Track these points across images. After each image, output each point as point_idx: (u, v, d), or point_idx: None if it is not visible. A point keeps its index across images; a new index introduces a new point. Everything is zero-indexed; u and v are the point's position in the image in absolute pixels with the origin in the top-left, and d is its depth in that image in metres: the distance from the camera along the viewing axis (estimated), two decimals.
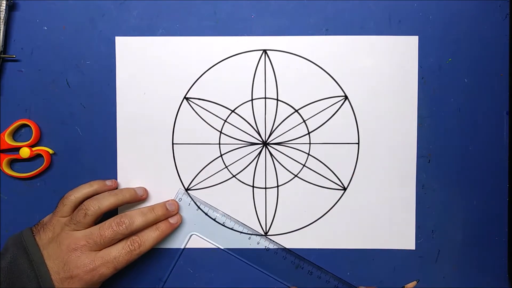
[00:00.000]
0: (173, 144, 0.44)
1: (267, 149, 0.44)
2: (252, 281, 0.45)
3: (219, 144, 0.44)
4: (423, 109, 0.44)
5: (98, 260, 0.38)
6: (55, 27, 0.44)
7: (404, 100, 0.44)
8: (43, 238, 0.39)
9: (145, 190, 0.44)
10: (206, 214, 0.44)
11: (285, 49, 0.43)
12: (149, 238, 0.41)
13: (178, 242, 0.44)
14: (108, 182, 0.43)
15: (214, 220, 0.44)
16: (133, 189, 0.43)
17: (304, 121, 0.44)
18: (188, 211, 0.44)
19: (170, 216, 0.43)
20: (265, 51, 0.44)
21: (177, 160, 0.44)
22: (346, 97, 0.44)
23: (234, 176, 0.44)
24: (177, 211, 0.43)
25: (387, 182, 0.44)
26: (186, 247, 0.44)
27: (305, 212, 0.44)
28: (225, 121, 0.44)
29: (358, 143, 0.44)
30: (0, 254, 0.38)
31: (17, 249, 0.38)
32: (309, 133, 0.44)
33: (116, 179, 0.44)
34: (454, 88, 0.44)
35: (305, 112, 0.44)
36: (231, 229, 0.44)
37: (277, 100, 0.44)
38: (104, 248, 0.39)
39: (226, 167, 0.44)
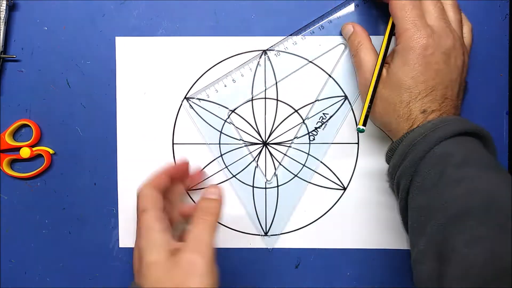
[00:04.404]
0: (173, 144, 0.44)
1: (267, 149, 0.44)
2: (252, 281, 0.45)
3: (219, 144, 0.44)
4: None
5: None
6: (55, 27, 0.44)
7: None
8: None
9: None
10: None
11: (285, 49, 0.43)
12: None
13: None
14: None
15: None
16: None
17: (303, 121, 0.44)
18: None
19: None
20: (265, 51, 0.44)
21: (177, 160, 0.44)
22: (346, 97, 0.44)
23: (234, 176, 0.44)
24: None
25: (387, 182, 0.44)
26: None
27: (305, 212, 0.44)
28: (225, 121, 0.44)
29: (358, 143, 0.44)
30: None
31: None
32: (309, 133, 0.44)
33: (116, 179, 0.44)
34: None
35: (305, 112, 0.44)
36: (232, 228, 0.44)
37: (277, 100, 0.44)
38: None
39: (226, 167, 0.44)
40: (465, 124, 0.35)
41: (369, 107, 0.38)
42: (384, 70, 0.38)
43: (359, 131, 0.38)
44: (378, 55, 0.39)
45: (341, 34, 0.43)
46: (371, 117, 0.39)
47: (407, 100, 0.36)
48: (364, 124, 0.38)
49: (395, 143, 0.37)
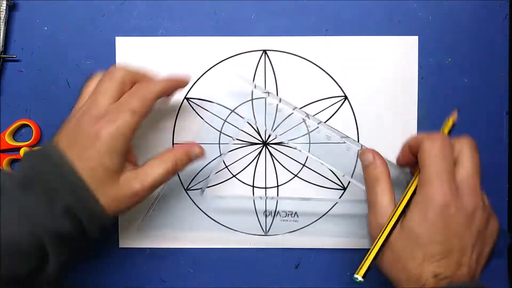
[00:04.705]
0: (173, 144, 0.44)
1: (267, 149, 0.44)
2: (252, 281, 0.45)
3: (219, 144, 0.44)
4: (423, 109, 0.44)
5: None
6: (55, 27, 0.44)
7: (404, 100, 0.44)
8: None
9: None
10: (205, 213, 0.44)
11: (285, 49, 0.44)
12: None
13: (178, 242, 0.44)
14: None
15: (214, 220, 0.44)
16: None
17: (304, 121, 0.44)
18: (188, 210, 0.44)
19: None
20: (265, 51, 0.44)
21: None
22: (346, 97, 0.44)
23: (234, 176, 0.44)
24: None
25: None
26: (186, 246, 0.45)
27: (305, 212, 0.44)
28: (225, 121, 0.44)
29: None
30: None
31: None
32: (309, 133, 0.44)
33: None
34: (454, 88, 0.44)
35: (305, 112, 0.44)
36: (232, 228, 0.44)
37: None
38: None
39: (226, 167, 0.44)
40: None
41: (374, 259, 0.34)
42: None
43: (356, 281, 0.33)
44: (394, 197, 0.35)
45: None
46: (377, 262, 0.35)
47: (420, 258, 0.32)
48: (364, 276, 0.33)
49: None
